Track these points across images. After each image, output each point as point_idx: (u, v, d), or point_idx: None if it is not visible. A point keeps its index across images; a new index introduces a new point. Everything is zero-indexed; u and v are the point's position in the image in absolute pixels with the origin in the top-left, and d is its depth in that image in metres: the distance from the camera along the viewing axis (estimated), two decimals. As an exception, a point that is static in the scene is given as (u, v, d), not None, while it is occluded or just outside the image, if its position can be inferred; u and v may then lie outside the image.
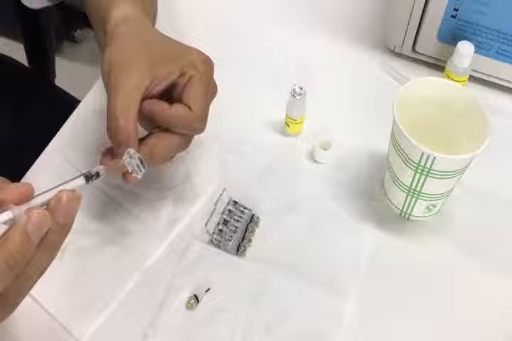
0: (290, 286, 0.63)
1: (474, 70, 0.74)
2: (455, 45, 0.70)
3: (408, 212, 0.66)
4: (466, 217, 0.67)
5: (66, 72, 1.23)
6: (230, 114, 0.72)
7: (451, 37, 0.73)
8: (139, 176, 0.56)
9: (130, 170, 0.55)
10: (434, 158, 0.57)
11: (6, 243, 0.42)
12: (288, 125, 0.71)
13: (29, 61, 1.10)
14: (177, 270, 0.64)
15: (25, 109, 0.92)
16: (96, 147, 0.70)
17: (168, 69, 0.58)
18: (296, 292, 0.63)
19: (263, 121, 0.74)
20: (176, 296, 0.62)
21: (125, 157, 0.55)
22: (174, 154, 0.60)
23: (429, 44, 0.75)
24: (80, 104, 0.75)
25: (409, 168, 0.60)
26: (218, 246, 0.65)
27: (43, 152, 0.71)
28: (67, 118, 0.74)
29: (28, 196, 0.45)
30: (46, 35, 1.07)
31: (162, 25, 0.71)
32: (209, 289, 0.62)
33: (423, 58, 0.78)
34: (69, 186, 0.48)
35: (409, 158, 0.59)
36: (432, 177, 0.59)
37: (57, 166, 0.70)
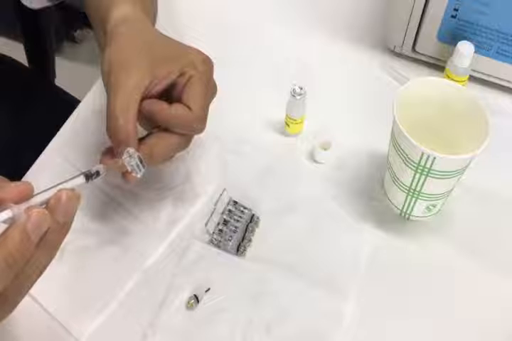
0: (290, 286, 0.63)
1: (474, 70, 0.74)
2: (455, 45, 0.70)
3: (408, 212, 0.66)
4: (466, 217, 0.67)
5: (66, 72, 1.23)
6: (230, 114, 0.72)
7: (451, 37, 0.73)
8: (139, 176, 0.56)
9: (130, 170, 0.55)
10: (434, 158, 0.57)
11: (6, 242, 0.42)
12: (288, 125, 0.71)
13: (29, 61, 1.10)
14: (177, 270, 0.64)
15: (25, 109, 0.92)
16: (96, 147, 0.70)
17: (168, 69, 0.58)
18: (296, 292, 0.63)
19: (263, 121, 0.74)
20: (176, 296, 0.62)
21: (124, 156, 0.55)
22: (174, 154, 0.60)
23: (429, 44, 0.75)
24: (80, 104, 0.75)
25: (409, 168, 0.60)
26: (218, 246, 0.65)
27: (43, 152, 0.71)
28: (67, 118, 0.74)
29: (28, 195, 0.45)
30: (46, 35, 1.07)
31: (162, 25, 0.71)
32: (209, 289, 0.62)
33: (423, 58, 0.78)
34: (69, 185, 0.48)
35: (409, 158, 0.59)
36: (432, 177, 0.59)
37: (57, 166, 0.70)
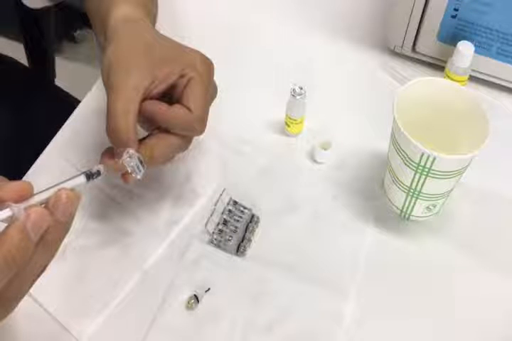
0: (290, 286, 0.63)
1: (474, 70, 0.74)
2: (455, 45, 0.70)
3: (408, 212, 0.66)
4: (466, 217, 0.67)
5: (66, 72, 1.23)
6: (230, 114, 0.72)
7: (451, 37, 0.73)
8: (139, 177, 0.56)
9: (129, 171, 0.55)
10: (434, 158, 0.57)
11: (5, 241, 0.42)
12: (288, 125, 0.71)
13: (29, 61, 1.10)
14: (177, 270, 0.64)
15: (25, 108, 0.92)
16: (96, 147, 0.70)
17: (168, 70, 0.58)
18: (296, 292, 0.63)
19: (263, 121, 0.74)
20: (176, 296, 0.62)
21: (124, 157, 0.55)
22: (174, 155, 0.60)
23: (429, 44, 0.75)
24: (80, 104, 0.75)
25: (409, 168, 0.60)
26: (218, 246, 0.65)
27: (43, 152, 0.71)
28: (67, 118, 0.74)
29: (27, 194, 0.45)
30: (46, 35, 1.07)
31: (162, 25, 0.71)
32: (209, 289, 0.62)
33: (423, 58, 0.78)
34: (69, 184, 0.48)
35: (409, 158, 0.59)
36: (432, 177, 0.59)
37: (57, 166, 0.70)
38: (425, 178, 0.60)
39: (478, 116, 0.60)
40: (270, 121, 0.73)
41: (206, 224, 0.65)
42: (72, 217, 0.46)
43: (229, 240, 0.65)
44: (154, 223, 0.66)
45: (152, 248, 0.65)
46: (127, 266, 0.64)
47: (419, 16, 0.73)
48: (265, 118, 0.74)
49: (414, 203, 0.64)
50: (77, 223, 0.65)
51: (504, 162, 0.71)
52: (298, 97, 0.67)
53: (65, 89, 1.02)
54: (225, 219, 0.66)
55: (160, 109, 0.57)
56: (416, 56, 0.78)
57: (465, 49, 0.70)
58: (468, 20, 0.71)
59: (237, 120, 0.73)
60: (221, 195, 0.66)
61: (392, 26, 0.76)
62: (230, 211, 0.66)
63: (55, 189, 0.46)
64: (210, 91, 0.60)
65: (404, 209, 0.66)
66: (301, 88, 0.67)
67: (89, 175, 0.51)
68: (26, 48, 1.10)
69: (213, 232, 0.65)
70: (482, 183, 0.68)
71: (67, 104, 0.81)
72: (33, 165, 0.70)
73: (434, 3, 0.71)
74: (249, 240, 0.65)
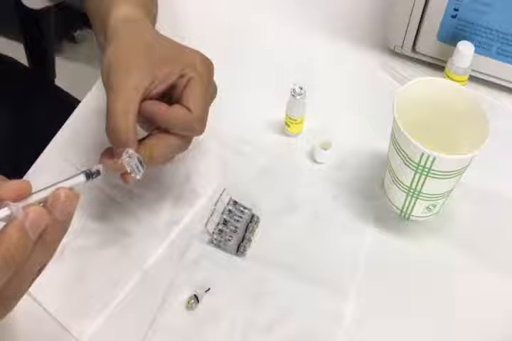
0: (290, 286, 0.63)
1: (474, 70, 0.74)
2: (455, 45, 0.70)
3: (408, 212, 0.66)
4: (466, 217, 0.67)
5: (66, 72, 1.23)
6: (230, 114, 0.72)
7: (451, 37, 0.73)
8: (138, 177, 0.56)
9: (129, 171, 0.55)
10: (434, 158, 0.57)
11: (3, 239, 0.42)
12: (288, 125, 0.71)
13: (29, 61, 1.11)
14: (177, 270, 0.64)
15: (25, 109, 0.92)
16: (96, 147, 0.70)
17: (168, 70, 0.58)
18: (296, 292, 0.63)
19: (263, 121, 0.74)
20: (176, 296, 0.62)
21: (124, 157, 0.55)
22: (173, 155, 0.60)
23: (429, 44, 0.75)
24: (80, 104, 0.75)
25: (409, 167, 0.60)
26: (218, 246, 0.65)
27: (43, 152, 0.71)
28: (67, 119, 0.74)
29: (26, 193, 0.45)
30: (46, 35, 1.07)
31: (162, 25, 0.72)
32: (209, 289, 0.62)
33: (423, 58, 0.78)
34: (69, 184, 0.48)
35: (409, 158, 0.59)
36: (432, 177, 0.59)
37: (57, 166, 0.70)
38: (425, 178, 0.60)
39: (478, 116, 0.60)
40: (270, 121, 0.73)
41: (206, 224, 0.65)
42: (70, 216, 0.46)
43: (229, 240, 0.65)
44: (154, 223, 0.66)
45: (152, 248, 0.65)
46: (127, 266, 0.64)
47: (419, 16, 0.73)
48: (265, 118, 0.74)
49: (414, 203, 0.64)
50: (76, 223, 0.65)
51: (504, 162, 0.71)
52: (298, 97, 0.67)
53: (65, 89, 1.02)
54: (225, 219, 0.66)
55: (159, 109, 0.57)
56: (416, 56, 0.78)
57: (465, 49, 0.70)
58: (468, 20, 0.71)
59: (237, 120, 0.73)
60: (221, 195, 0.66)
61: (392, 26, 0.76)
62: (230, 211, 0.66)
63: (54, 188, 0.46)
64: (210, 92, 0.60)
65: (404, 209, 0.66)
66: (301, 88, 0.67)
67: (89, 175, 0.51)
68: (26, 48, 1.10)
69: (213, 232, 0.65)
70: (482, 183, 0.68)
71: (67, 104, 0.81)
72: (33, 165, 0.70)
73: (434, 3, 0.71)
74: (249, 240, 0.65)
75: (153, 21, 0.69)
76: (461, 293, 0.63)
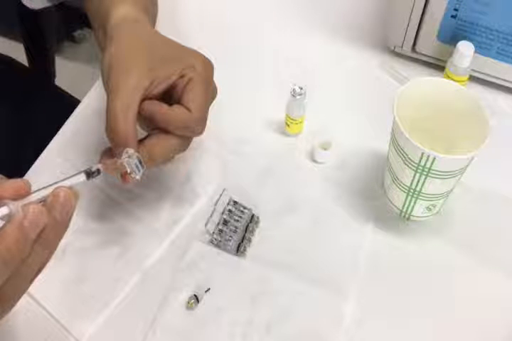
0: (290, 286, 0.63)
1: (474, 70, 0.74)
2: (455, 45, 0.70)
3: (408, 212, 0.66)
4: (466, 217, 0.67)
5: (66, 72, 1.23)
6: (230, 114, 0.72)
7: (451, 37, 0.73)
8: (138, 177, 0.56)
9: (129, 171, 0.55)
10: (434, 158, 0.57)
11: (2, 238, 0.42)
12: (288, 125, 0.71)
13: (29, 61, 1.11)
14: (177, 270, 0.64)
15: (26, 109, 0.92)
16: (96, 147, 0.70)
17: (168, 71, 0.58)
18: (296, 292, 0.63)
19: (263, 121, 0.74)
20: (176, 296, 0.62)
21: (124, 157, 0.55)
22: (173, 155, 0.60)
23: (429, 44, 0.75)
24: (80, 104, 0.75)
25: (409, 168, 0.60)
26: (218, 246, 0.65)
27: (43, 152, 0.71)
28: (67, 118, 0.74)
29: (25, 192, 0.45)
30: (46, 35, 1.07)
31: (162, 25, 0.72)
32: (209, 289, 0.62)
33: (423, 58, 0.78)
34: (69, 183, 0.48)
35: (409, 158, 0.59)
36: (432, 177, 0.59)
37: (57, 166, 0.70)
38: (425, 178, 0.60)
39: (478, 116, 0.60)
40: (270, 121, 0.73)
41: (206, 224, 0.65)
42: (70, 215, 0.46)
43: (229, 240, 0.65)
44: (154, 223, 0.66)
45: (152, 248, 0.65)
46: (127, 266, 0.64)
47: (419, 16, 0.73)
48: (265, 118, 0.74)
49: (414, 203, 0.64)
50: (76, 223, 0.65)
51: (504, 162, 0.71)
52: (298, 97, 0.67)
53: (65, 89, 1.02)
54: (225, 219, 0.66)
55: (160, 109, 0.57)
56: (416, 56, 0.78)
57: (465, 49, 0.70)
58: (468, 20, 0.71)
59: (237, 120, 0.73)
60: (221, 195, 0.66)
61: (392, 26, 0.76)
62: (230, 211, 0.66)
63: (54, 187, 0.46)
64: (210, 92, 0.60)
65: (404, 209, 0.66)
66: (301, 88, 0.67)
67: (89, 174, 0.51)
68: (26, 48, 1.10)
69: (213, 232, 0.65)
70: (482, 183, 0.68)
71: (67, 104, 0.81)
72: (33, 165, 0.70)
73: (434, 3, 0.71)
74: (249, 240, 0.65)
75: (153, 21, 0.69)
76: (461, 293, 0.63)
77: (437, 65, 0.77)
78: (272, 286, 0.63)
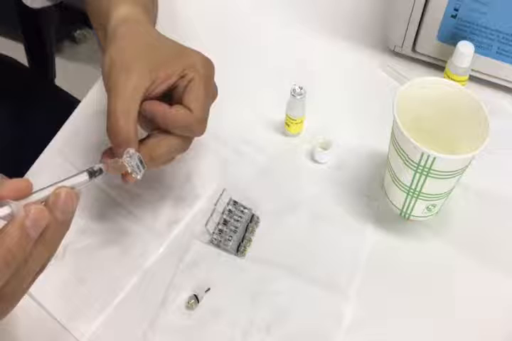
0: (290, 286, 0.63)
1: (474, 70, 0.74)
2: (455, 45, 0.70)
3: (408, 212, 0.66)
4: (466, 217, 0.67)
5: (66, 72, 1.23)
6: (230, 114, 0.73)
7: (451, 37, 0.73)
8: (139, 177, 0.56)
9: (129, 171, 0.55)
10: (434, 158, 0.57)
11: (4, 238, 0.42)
12: (288, 125, 0.71)
13: (29, 61, 1.11)
14: (177, 270, 0.64)
15: (26, 108, 0.92)
16: (96, 147, 0.70)
17: (169, 71, 0.58)
18: (296, 292, 0.63)
19: (263, 121, 0.74)
20: (176, 296, 0.62)
21: (125, 157, 0.55)
22: (173, 156, 0.60)
23: (429, 44, 0.75)
24: (80, 104, 0.75)
25: (409, 168, 0.60)
26: (218, 246, 0.65)
27: (43, 152, 0.71)
28: (67, 118, 0.74)
29: (27, 192, 0.45)
30: (46, 35, 1.07)
31: (162, 25, 0.71)
32: (209, 289, 0.62)
33: (423, 58, 0.78)
34: (71, 182, 0.48)
35: (409, 158, 0.59)
36: (432, 177, 0.59)
37: (57, 166, 0.70)
38: (425, 178, 0.60)
39: (478, 116, 0.60)
40: (270, 121, 0.73)
41: (206, 224, 0.65)
42: (71, 215, 0.46)
43: (229, 240, 0.65)
44: (154, 223, 0.66)
45: (152, 248, 0.65)
46: (127, 266, 0.64)
47: (419, 16, 0.73)
48: (265, 118, 0.74)
49: (414, 203, 0.64)
50: (77, 223, 0.65)
51: (504, 162, 0.71)
52: (298, 97, 0.67)
53: (65, 89, 1.02)
54: (225, 219, 0.66)
55: (160, 109, 0.57)
56: (416, 56, 0.78)
57: (465, 49, 0.70)
58: (468, 20, 0.71)
59: (237, 120, 0.73)
60: (221, 195, 0.66)
61: (392, 26, 0.76)
62: (230, 211, 0.66)
63: (56, 187, 0.46)
64: (211, 92, 0.60)
65: (404, 209, 0.66)
66: (301, 88, 0.67)
67: (92, 173, 0.51)
68: (26, 48, 1.10)
69: (213, 232, 0.65)
70: (482, 183, 0.68)
71: (67, 104, 0.81)
72: (33, 165, 0.70)
73: (434, 3, 0.71)
74: (249, 240, 0.65)
75: (154, 21, 0.69)
76: (461, 293, 0.63)
77: (437, 65, 0.77)
78: (271, 286, 0.63)
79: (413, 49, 0.77)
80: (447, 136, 0.63)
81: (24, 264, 0.44)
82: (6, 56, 1.02)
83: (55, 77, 1.13)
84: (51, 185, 0.47)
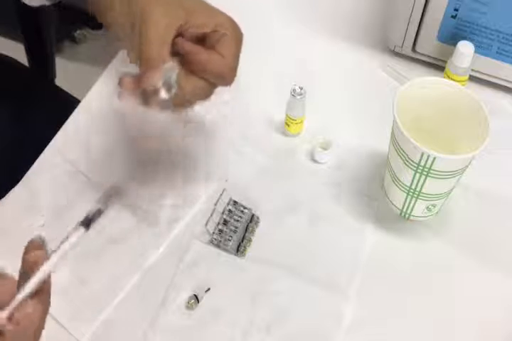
0: (290, 286, 0.63)
1: (474, 70, 0.74)
2: (455, 45, 0.70)
3: (408, 212, 0.66)
4: (466, 217, 0.67)
5: (66, 72, 1.23)
6: (230, 114, 0.72)
7: (451, 37, 0.73)
8: (167, 97, 0.54)
9: (161, 83, 0.53)
10: (434, 158, 0.57)
11: None
12: (288, 125, 0.71)
13: (29, 61, 1.10)
14: (177, 270, 0.64)
15: (26, 109, 0.92)
16: (96, 147, 0.70)
17: (203, 20, 0.58)
18: (296, 292, 0.63)
19: (263, 121, 0.74)
20: (176, 296, 0.62)
21: (164, 66, 0.53)
22: (195, 100, 0.59)
23: (429, 44, 0.75)
24: (80, 104, 0.75)
25: (409, 168, 0.60)
26: (218, 246, 0.65)
27: (43, 152, 0.71)
28: (67, 118, 0.74)
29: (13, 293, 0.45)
30: (46, 35, 1.07)
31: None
32: (209, 289, 0.62)
33: (423, 58, 0.78)
34: (73, 239, 0.48)
35: (409, 158, 0.59)
36: (432, 177, 0.59)
37: (57, 166, 0.70)
38: (425, 178, 0.60)
39: (478, 116, 0.60)
40: (270, 121, 0.73)
41: (206, 224, 0.65)
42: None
43: (229, 240, 0.65)
44: (154, 223, 0.66)
45: (152, 248, 0.65)
46: (127, 266, 0.64)
47: (419, 16, 0.73)
48: (265, 118, 0.74)
49: (414, 203, 0.64)
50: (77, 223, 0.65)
51: (504, 162, 0.71)
52: (298, 97, 0.67)
53: (65, 89, 1.02)
54: (225, 219, 0.66)
55: (195, 48, 0.56)
56: (416, 56, 0.78)
57: (465, 49, 0.70)
58: (468, 20, 0.71)
59: (237, 120, 0.73)
60: (221, 195, 0.66)
61: (392, 26, 0.76)
62: (230, 211, 0.66)
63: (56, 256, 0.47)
64: (241, 48, 0.60)
65: (404, 209, 0.66)
66: (301, 88, 0.67)
67: (88, 221, 0.49)
68: (26, 48, 1.10)
69: (213, 232, 0.65)
70: (482, 183, 0.68)
71: (67, 104, 0.81)
72: (33, 165, 0.70)
73: (434, 3, 0.71)
74: (249, 240, 0.65)
75: None
76: (461, 293, 0.63)
77: (437, 65, 0.77)
78: (271, 286, 0.63)
79: (413, 49, 0.77)
80: (447, 136, 0.63)
81: None
82: (6, 56, 1.02)
83: (55, 77, 1.13)
84: (54, 252, 0.47)
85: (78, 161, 0.70)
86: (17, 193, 0.67)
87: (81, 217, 0.66)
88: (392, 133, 0.61)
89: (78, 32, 1.75)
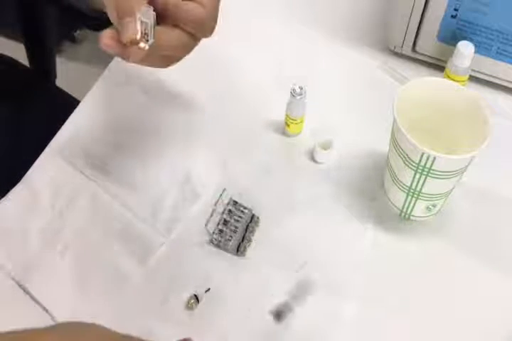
0: (290, 286, 0.63)
1: (474, 70, 0.74)
2: (455, 45, 0.70)
3: (408, 211, 0.66)
4: (466, 217, 0.67)
5: (66, 72, 1.23)
6: (230, 114, 0.73)
7: (451, 37, 0.73)
8: (147, 46, 0.52)
9: (141, 31, 0.52)
10: (434, 158, 0.57)
11: None
12: (288, 125, 0.71)
13: (29, 61, 1.10)
14: (177, 270, 0.64)
15: (26, 109, 0.92)
16: (96, 147, 0.70)
17: None
18: (296, 292, 0.63)
19: (263, 121, 0.74)
20: (176, 296, 0.62)
21: (142, 10, 0.52)
22: (180, 54, 0.58)
23: (429, 44, 0.75)
24: (80, 104, 0.75)
25: (409, 168, 0.60)
26: (218, 246, 0.65)
27: (43, 152, 0.71)
28: (67, 119, 0.74)
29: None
30: (46, 35, 1.07)
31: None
32: (209, 289, 0.62)
33: (423, 58, 0.78)
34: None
35: (409, 158, 0.59)
36: (432, 177, 0.59)
37: (57, 166, 0.70)
38: (425, 178, 0.60)
39: (478, 116, 0.60)
40: (270, 121, 0.73)
41: (206, 224, 0.65)
42: None
43: (229, 240, 0.65)
44: (154, 223, 0.66)
45: (152, 248, 0.65)
46: (127, 265, 0.64)
47: (419, 16, 0.73)
48: (265, 118, 0.74)
49: (414, 203, 0.64)
50: (77, 223, 0.65)
51: (504, 162, 0.71)
52: (298, 97, 0.67)
53: (65, 89, 1.02)
54: (225, 219, 0.66)
55: (175, 1, 0.55)
56: (416, 56, 0.78)
57: (465, 49, 0.70)
58: (468, 20, 0.71)
59: (237, 120, 0.73)
60: (221, 195, 0.67)
61: (392, 26, 0.76)
62: (230, 211, 0.66)
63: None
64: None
65: (404, 209, 0.66)
66: (301, 88, 0.67)
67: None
68: (26, 48, 1.10)
69: (213, 232, 0.65)
70: (482, 183, 0.68)
71: (67, 104, 0.81)
72: (33, 165, 0.70)
73: (434, 3, 0.71)
74: (249, 240, 0.65)
75: None
76: (461, 293, 0.63)
77: (437, 65, 0.77)
78: (271, 286, 0.63)
79: (413, 49, 0.77)
80: (447, 136, 0.63)
81: None
82: (6, 56, 1.02)
83: (55, 77, 1.13)
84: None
85: (78, 161, 0.70)
86: (17, 193, 0.67)
87: (81, 216, 0.66)
88: (392, 133, 0.61)
89: (78, 32, 1.75)
